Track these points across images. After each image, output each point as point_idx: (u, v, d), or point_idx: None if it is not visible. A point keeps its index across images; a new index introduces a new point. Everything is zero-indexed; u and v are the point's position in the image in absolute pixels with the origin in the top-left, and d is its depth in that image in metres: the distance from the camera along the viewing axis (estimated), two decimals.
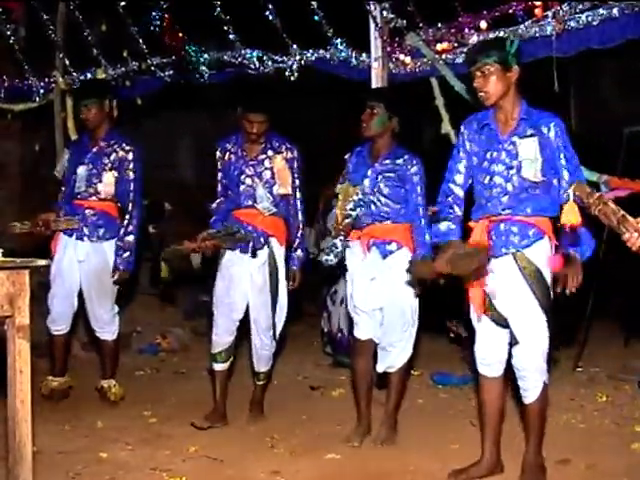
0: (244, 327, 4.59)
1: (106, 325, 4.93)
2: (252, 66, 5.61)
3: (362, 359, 4.28)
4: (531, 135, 3.45)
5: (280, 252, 4.48)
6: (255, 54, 5.58)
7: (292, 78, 5.50)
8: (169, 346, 6.59)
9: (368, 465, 3.79)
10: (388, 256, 4.15)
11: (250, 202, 4.45)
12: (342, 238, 4.25)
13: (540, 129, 3.44)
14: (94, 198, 4.88)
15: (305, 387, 5.31)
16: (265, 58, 5.59)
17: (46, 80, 6.48)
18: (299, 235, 4.52)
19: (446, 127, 5.24)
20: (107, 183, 4.84)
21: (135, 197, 4.85)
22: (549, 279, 3.46)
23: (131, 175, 4.84)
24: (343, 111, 8.60)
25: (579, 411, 4.69)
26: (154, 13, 5.72)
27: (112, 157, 4.85)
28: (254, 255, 4.41)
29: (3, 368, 2.80)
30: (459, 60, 4.96)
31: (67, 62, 6.39)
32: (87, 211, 4.88)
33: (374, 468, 3.76)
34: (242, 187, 4.46)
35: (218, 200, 4.62)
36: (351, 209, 4.18)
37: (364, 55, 5.37)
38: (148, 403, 4.90)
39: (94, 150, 4.91)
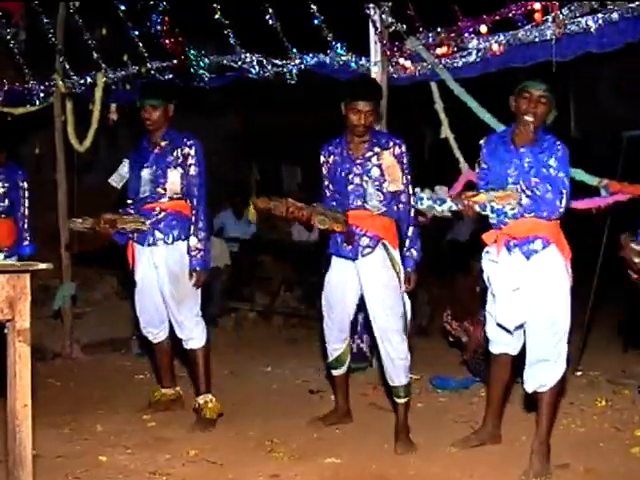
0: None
1: (191, 332, 4.65)
2: (252, 70, 5.63)
3: (497, 371, 4.06)
4: None
5: (396, 254, 4.20)
6: (255, 58, 5.60)
7: (292, 82, 5.53)
8: None
9: (367, 469, 3.78)
10: (532, 256, 3.74)
11: (360, 202, 4.21)
12: (456, 206, 3.64)
13: None
14: (164, 199, 4.68)
15: (304, 391, 5.29)
16: (265, 62, 5.61)
17: (46, 84, 6.50)
18: (410, 234, 4.23)
19: (445, 131, 5.26)
20: (172, 181, 4.64)
21: (200, 192, 4.63)
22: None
23: (194, 170, 4.62)
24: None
25: (578, 415, 4.68)
26: (154, 17, 5.73)
27: (174, 154, 4.65)
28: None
29: (3, 371, 2.80)
30: (459, 64, 4.98)
31: (67, 66, 6.41)
32: (158, 213, 4.68)
33: (373, 472, 3.75)
34: (350, 187, 4.23)
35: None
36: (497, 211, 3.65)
37: (364, 59, 5.39)
38: (147, 407, 4.89)
39: (156, 152, 4.71)
